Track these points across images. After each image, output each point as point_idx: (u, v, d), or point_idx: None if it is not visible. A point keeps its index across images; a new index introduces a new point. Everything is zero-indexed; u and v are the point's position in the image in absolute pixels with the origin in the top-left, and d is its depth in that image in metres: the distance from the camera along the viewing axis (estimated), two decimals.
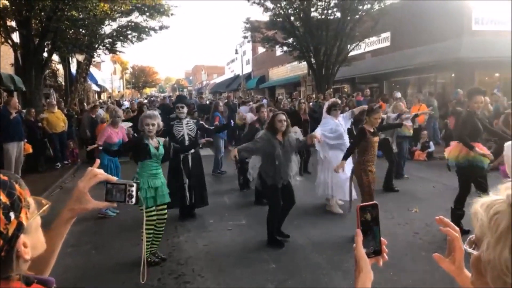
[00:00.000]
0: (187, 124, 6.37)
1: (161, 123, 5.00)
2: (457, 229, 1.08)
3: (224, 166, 10.08)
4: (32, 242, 0.99)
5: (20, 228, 0.93)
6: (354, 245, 1.05)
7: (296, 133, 6.80)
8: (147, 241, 4.54)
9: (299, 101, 11.21)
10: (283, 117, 5.11)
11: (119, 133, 6.85)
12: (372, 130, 5.47)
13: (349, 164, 6.14)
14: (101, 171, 1.35)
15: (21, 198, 0.95)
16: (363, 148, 5.44)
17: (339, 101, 7.72)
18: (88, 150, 7.31)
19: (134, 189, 1.36)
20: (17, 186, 0.96)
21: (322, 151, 6.81)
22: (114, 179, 1.36)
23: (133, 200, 1.35)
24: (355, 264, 1.05)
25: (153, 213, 4.70)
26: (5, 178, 0.94)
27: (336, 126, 6.73)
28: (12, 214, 0.91)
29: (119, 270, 4.69)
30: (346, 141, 6.65)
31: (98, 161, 1.45)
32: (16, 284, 0.92)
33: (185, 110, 6.45)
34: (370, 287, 1.04)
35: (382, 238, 1.08)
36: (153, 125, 4.74)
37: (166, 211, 4.94)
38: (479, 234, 0.79)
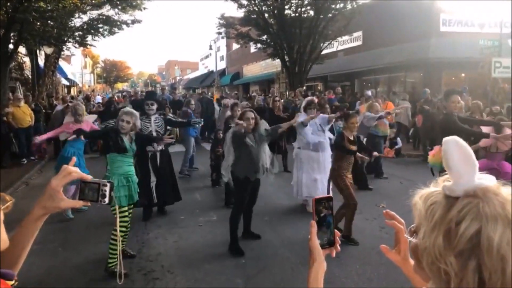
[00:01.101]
0: (155, 120, 6.22)
1: (138, 125, 4.84)
2: (402, 221, 1.13)
3: (196, 163, 10.03)
4: None
5: None
6: (309, 236, 1.08)
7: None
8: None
9: (273, 98, 11.02)
10: (252, 114, 5.04)
11: (84, 126, 6.69)
12: (351, 138, 5.35)
13: (327, 164, 6.33)
14: (76, 169, 1.32)
15: None
16: (339, 155, 5.38)
17: (315, 100, 7.52)
18: (36, 142, 7.04)
19: (107, 188, 1.34)
20: None
21: (296, 146, 6.87)
22: (89, 178, 1.35)
23: (106, 200, 1.34)
24: (309, 254, 1.08)
25: (126, 213, 4.56)
26: None
27: (311, 125, 6.61)
28: None
29: (86, 268, 4.62)
30: (322, 141, 6.58)
31: (74, 158, 1.43)
32: None
33: (155, 107, 6.30)
34: (323, 277, 1.07)
35: (335, 230, 1.11)
36: (127, 122, 4.60)
37: (131, 210, 4.84)
38: (417, 223, 0.84)
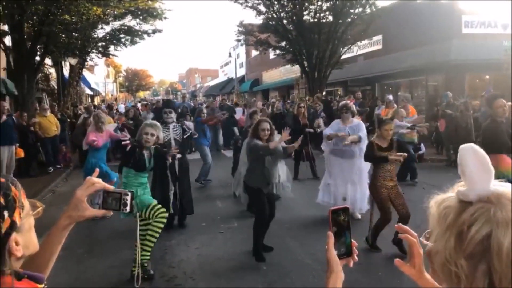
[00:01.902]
0: (173, 128, 6.20)
1: (162, 136, 4.74)
2: (415, 234, 1.13)
3: (217, 170, 10.07)
4: (25, 241, 1.05)
5: (12, 226, 0.99)
6: (326, 247, 1.10)
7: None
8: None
9: (298, 104, 10.51)
10: (267, 125, 4.91)
11: (104, 136, 6.82)
12: (383, 146, 5.02)
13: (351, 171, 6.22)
14: (99, 180, 1.40)
15: (15, 199, 1.01)
16: (376, 163, 5.12)
17: (349, 103, 6.82)
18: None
19: (128, 198, 1.42)
20: (13, 187, 1.02)
21: (325, 151, 6.65)
22: (111, 188, 1.42)
23: (127, 208, 1.41)
24: (327, 265, 1.10)
25: (145, 221, 4.49)
26: (2, 180, 1.01)
27: (337, 130, 6.28)
28: (6, 213, 0.97)
29: (110, 274, 4.72)
30: (345, 149, 6.23)
31: (97, 170, 1.52)
32: (7, 279, 0.97)
33: (173, 115, 6.27)
34: (341, 287, 1.09)
35: (352, 240, 1.13)
36: (152, 135, 4.47)
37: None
38: (431, 227, 0.86)
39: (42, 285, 1.08)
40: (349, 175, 6.30)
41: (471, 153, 0.83)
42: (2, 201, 0.97)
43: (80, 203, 1.33)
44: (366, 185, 6.19)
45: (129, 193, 1.42)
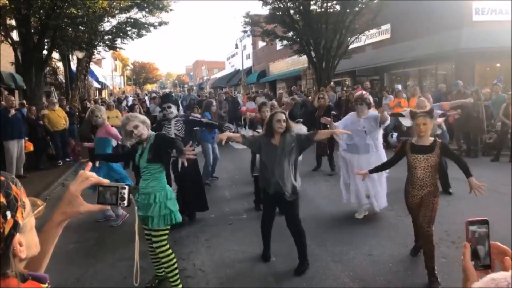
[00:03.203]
0: (175, 124, 5.87)
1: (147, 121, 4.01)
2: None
3: (224, 162, 10.06)
4: (27, 242, 1.01)
5: (16, 227, 0.95)
6: (462, 257, 1.13)
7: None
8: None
9: (318, 96, 9.40)
10: (283, 116, 4.33)
11: (100, 131, 6.33)
12: (417, 143, 4.15)
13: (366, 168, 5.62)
14: (93, 174, 1.36)
15: (17, 198, 0.97)
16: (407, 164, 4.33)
17: (365, 94, 6.20)
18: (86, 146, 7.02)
19: (126, 191, 1.38)
20: (13, 186, 0.98)
21: (340, 145, 6.24)
22: (106, 181, 1.38)
23: (125, 202, 1.38)
24: (463, 274, 1.12)
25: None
26: (2, 178, 0.96)
27: (351, 123, 5.89)
28: (8, 213, 0.93)
29: (121, 266, 4.73)
30: (360, 144, 5.84)
31: (90, 164, 1.47)
32: (12, 281, 0.94)
33: (173, 109, 5.83)
34: None
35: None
36: (136, 127, 3.82)
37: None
38: None
39: (46, 285, 1.05)
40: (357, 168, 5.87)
41: None
42: (4, 200, 0.93)
43: (74, 198, 1.29)
44: (385, 180, 6.03)
45: (126, 187, 1.38)
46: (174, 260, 3.87)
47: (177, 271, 3.88)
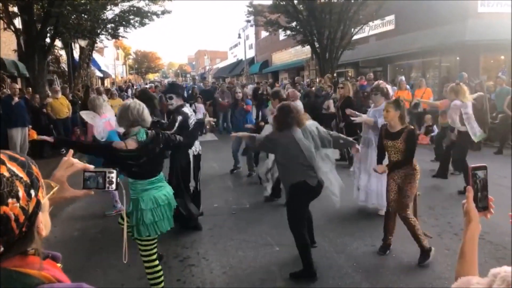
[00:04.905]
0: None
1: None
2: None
3: (223, 154, 10.06)
4: (45, 221, 1.03)
5: (39, 205, 0.98)
6: (464, 201, 1.25)
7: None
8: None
9: (339, 84, 9.00)
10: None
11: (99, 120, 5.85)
12: (390, 130, 4.44)
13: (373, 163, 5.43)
14: (77, 160, 1.39)
15: (38, 178, 0.99)
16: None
17: (381, 83, 6.02)
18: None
19: (114, 175, 1.40)
20: (33, 166, 1.00)
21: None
22: (91, 167, 1.40)
23: (113, 186, 1.40)
24: (464, 216, 1.26)
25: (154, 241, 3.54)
26: (23, 158, 0.98)
27: (371, 115, 5.76)
28: (32, 192, 0.95)
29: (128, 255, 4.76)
30: (374, 137, 5.63)
31: (71, 151, 1.50)
32: (33, 258, 0.96)
33: (174, 100, 5.21)
34: (478, 237, 1.26)
35: (489, 196, 1.26)
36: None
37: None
38: None
39: (60, 265, 1.07)
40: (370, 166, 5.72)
41: None
42: (28, 180, 0.95)
43: (60, 184, 1.31)
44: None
45: (114, 171, 1.41)
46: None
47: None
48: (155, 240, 3.52)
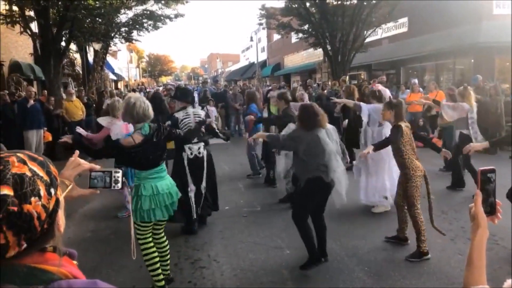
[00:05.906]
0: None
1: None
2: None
3: (235, 157, 10.10)
4: (61, 218, 1.07)
5: (58, 203, 1.01)
6: (471, 205, 1.23)
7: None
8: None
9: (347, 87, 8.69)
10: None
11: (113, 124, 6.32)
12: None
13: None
14: (84, 161, 1.44)
15: (56, 177, 1.03)
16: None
17: (377, 86, 6.35)
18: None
19: (119, 174, 1.44)
20: (51, 165, 1.03)
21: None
22: (98, 167, 1.43)
23: (119, 185, 1.43)
24: (472, 221, 1.24)
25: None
26: (42, 158, 1.02)
27: (374, 111, 6.03)
28: (52, 190, 0.99)
29: (137, 256, 4.80)
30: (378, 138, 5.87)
31: (77, 152, 1.54)
32: (51, 255, 0.99)
33: (175, 105, 5.31)
34: (486, 242, 1.24)
35: (497, 200, 1.24)
36: None
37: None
38: None
39: (76, 262, 1.10)
40: (373, 166, 5.98)
41: None
42: (47, 178, 0.98)
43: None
44: (384, 175, 5.96)
45: (120, 171, 1.44)
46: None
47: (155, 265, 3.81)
48: (150, 226, 3.76)
